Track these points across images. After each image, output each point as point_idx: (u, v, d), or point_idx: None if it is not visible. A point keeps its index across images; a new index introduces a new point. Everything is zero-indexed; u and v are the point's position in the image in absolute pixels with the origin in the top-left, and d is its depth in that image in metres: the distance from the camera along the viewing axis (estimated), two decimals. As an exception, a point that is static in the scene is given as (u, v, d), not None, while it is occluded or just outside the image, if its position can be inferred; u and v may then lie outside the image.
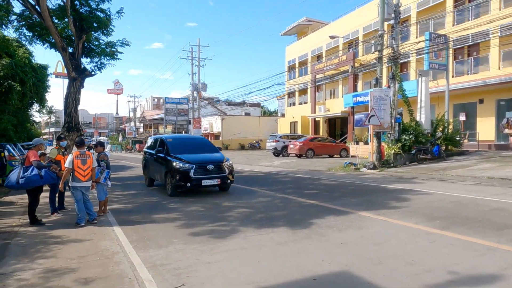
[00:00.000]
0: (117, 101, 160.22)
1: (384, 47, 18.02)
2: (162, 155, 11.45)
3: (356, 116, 30.38)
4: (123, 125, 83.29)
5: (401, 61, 20.47)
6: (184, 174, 10.16)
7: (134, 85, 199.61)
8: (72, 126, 13.73)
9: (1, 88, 18.94)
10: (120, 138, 72.58)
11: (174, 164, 10.41)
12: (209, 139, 47.48)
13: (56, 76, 62.08)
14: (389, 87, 18.27)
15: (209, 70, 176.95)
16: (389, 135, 18.25)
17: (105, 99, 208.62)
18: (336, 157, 25.96)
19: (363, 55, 31.12)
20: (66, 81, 15.45)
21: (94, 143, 9.10)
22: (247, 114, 59.26)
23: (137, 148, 53.77)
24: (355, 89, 32.22)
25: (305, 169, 18.58)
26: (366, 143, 26.59)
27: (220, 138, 47.64)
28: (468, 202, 8.54)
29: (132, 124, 71.20)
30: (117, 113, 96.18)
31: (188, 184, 10.15)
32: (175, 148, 11.35)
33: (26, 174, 7.08)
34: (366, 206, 8.41)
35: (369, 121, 16.82)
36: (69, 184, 7.52)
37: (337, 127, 37.22)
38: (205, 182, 10.23)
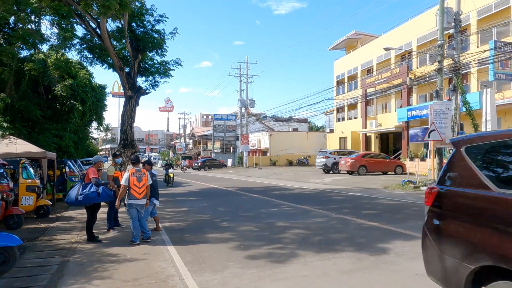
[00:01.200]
0: (168, 118, 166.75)
1: (443, 57, 16.96)
2: None
3: (411, 131, 28.81)
4: (173, 141, 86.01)
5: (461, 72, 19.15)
6: None
7: (184, 103, 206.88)
8: (127, 143, 14.11)
9: (65, 107, 20.11)
10: (170, 154, 74.80)
11: None
12: (257, 155, 47.58)
13: (113, 96, 65.77)
14: (449, 99, 17.10)
15: (257, 87, 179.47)
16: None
17: (157, 116, 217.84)
18: (391, 174, 24.69)
19: (417, 68, 29.72)
20: (122, 100, 16.09)
21: (146, 159, 9.03)
22: (295, 129, 58.74)
23: (186, 163, 54.94)
24: (409, 103, 30.74)
25: (359, 187, 17.72)
26: (422, 159, 25.13)
27: (268, 154, 47.44)
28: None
29: (182, 140, 73.22)
30: (168, 130, 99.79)
31: None
32: None
33: (84, 191, 7.18)
34: (435, 230, 7.61)
35: (429, 136, 15.74)
36: (125, 202, 7.51)
37: (390, 143, 35.68)
38: None
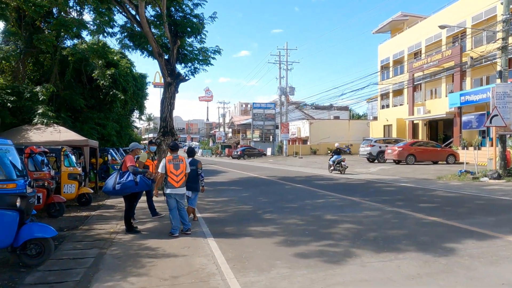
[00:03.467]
0: (207, 107, 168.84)
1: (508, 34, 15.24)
2: None
3: (464, 118, 26.87)
4: (213, 130, 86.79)
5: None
6: None
7: (223, 92, 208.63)
8: (167, 131, 13.86)
9: (108, 97, 20.32)
10: (210, 143, 75.52)
11: None
12: (297, 144, 46.71)
13: (155, 86, 67.09)
14: (514, 81, 15.41)
15: (297, 74, 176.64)
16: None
17: (197, 106, 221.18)
18: (442, 164, 23.05)
19: (471, 49, 27.43)
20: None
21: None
22: (336, 117, 57.08)
23: (226, 152, 55.09)
24: (461, 87, 28.53)
25: (408, 177, 16.53)
26: (477, 147, 23.24)
27: (308, 142, 46.39)
28: None
29: (222, 129, 73.61)
30: (207, 119, 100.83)
31: None
32: None
33: (122, 180, 6.82)
34: None
35: (490, 122, 14.28)
36: (163, 191, 7.10)
37: (439, 130, 33.54)
38: None
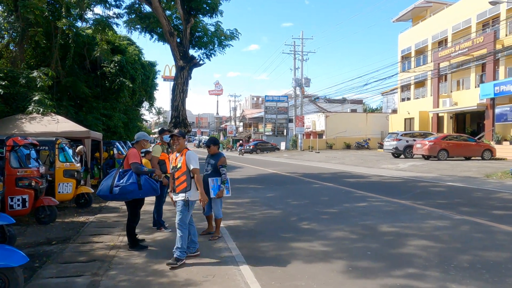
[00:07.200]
0: (217, 101, 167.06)
1: None
2: None
3: (497, 110, 24.81)
4: (223, 124, 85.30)
5: None
6: None
7: (233, 87, 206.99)
8: (179, 121, 12.24)
9: (114, 85, 18.78)
10: (221, 137, 74.03)
11: None
12: (312, 138, 44.84)
13: (164, 80, 65.69)
14: None
15: (312, 65, 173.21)
16: None
17: (206, 100, 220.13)
18: (476, 160, 21.08)
19: (506, 35, 25.34)
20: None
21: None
22: (353, 110, 55.00)
23: (237, 145, 53.49)
24: (495, 77, 26.36)
25: (449, 175, 14.66)
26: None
27: (324, 136, 44.49)
28: None
29: (232, 123, 72.00)
30: (217, 113, 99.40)
31: None
32: None
33: (121, 182, 5.10)
34: None
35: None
36: (188, 198, 4.93)
37: (467, 124, 31.44)
38: None
